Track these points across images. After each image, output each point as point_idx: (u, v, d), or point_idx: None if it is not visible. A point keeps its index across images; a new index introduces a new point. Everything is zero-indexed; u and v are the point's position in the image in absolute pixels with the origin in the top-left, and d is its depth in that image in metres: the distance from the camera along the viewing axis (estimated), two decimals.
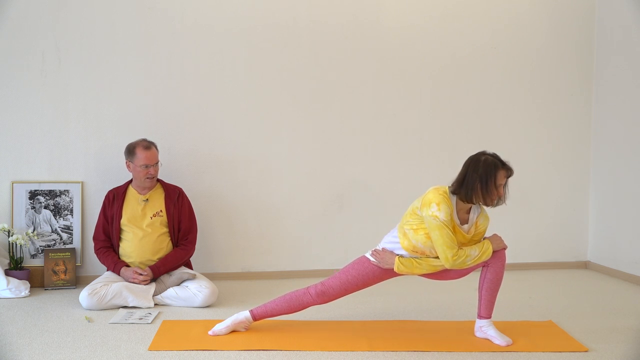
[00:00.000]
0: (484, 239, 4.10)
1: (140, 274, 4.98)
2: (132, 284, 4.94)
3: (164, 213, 5.20)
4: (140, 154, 5.12)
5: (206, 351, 3.92)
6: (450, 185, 4.03)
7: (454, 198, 3.98)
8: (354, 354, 3.91)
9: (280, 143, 6.00)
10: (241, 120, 5.92)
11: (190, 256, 5.32)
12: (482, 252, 3.99)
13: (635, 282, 5.82)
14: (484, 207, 4.09)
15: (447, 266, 3.95)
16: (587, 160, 6.50)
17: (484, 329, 4.15)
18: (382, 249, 4.16)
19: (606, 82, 6.26)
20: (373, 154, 6.15)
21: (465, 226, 4.02)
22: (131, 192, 5.24)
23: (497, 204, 3.99)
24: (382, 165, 6.17)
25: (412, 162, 6.21)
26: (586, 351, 3.97)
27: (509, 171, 3.97)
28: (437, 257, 4.02)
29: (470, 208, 4.06)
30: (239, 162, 5.94)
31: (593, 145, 6.45)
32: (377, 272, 4.16)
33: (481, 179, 3.90)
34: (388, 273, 4.16)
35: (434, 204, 3.90)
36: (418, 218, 3.99)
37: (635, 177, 5.89)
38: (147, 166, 5.13)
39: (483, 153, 4.00)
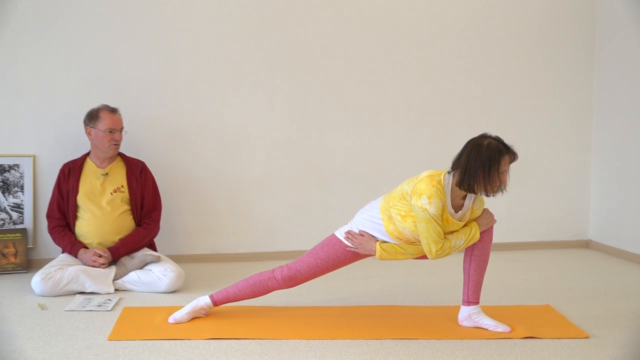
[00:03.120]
0: None
1: (100, 256, 4.95)
2: (90, 267, 4.92)
3: (125, 189, 5.17)
4: (105, 117, 5.11)
5: (171, 340, 3.91)
6: (449, 171, 3.99)
7: (449, 186, 3.94)
8: (334, 342, 3.92)
9: (254, 112, 5.97)
10: (211, 87, 5.89)
11: (154, 236, 5.31)
12: (468, 239, 4.00)
13: (639, 262, 5.86)
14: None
15: (430, 258, 3.96)
16: (589, 131, 6.52)
17: (475, 317, 4.13)
18: (360, 231, 4.13)
19: (610, 48, 6.26)
20: (356, 125, 6.14)
21: (459, 213, 4.00)
22: (89, 165, 5.20)
23: (497, 193, 3.96)
24: (366, 138, 6.16)
25: (398, 134, 6.21)
26: (586, 338, 4.00)
27: (513, 156, 3.92)
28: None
29: (467, 194, 4.03)
30: (208, 133, 5.91)
31: (596, 115, 6.47)
32: (350, 254, 4.14)
33: (484, 166, 3.84)
34: (361, 255, 4.15)
35: (425, 197, 3.86)
36: (407, 204, 3.95)
37: None
38: (112, 131, 5.11)
39: (485, 136, 3.94)
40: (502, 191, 3.94)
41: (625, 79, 6.07)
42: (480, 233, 4.06)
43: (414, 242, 4.03)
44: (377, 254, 4.04)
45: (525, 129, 6.37)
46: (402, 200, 3.97)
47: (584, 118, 6.50)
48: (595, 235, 6.52)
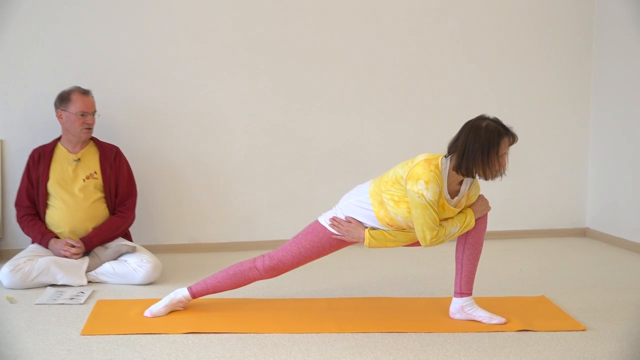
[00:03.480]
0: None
1: (72, 246, 4.94)
2: (61, 258, 4.91)
3: (98, 175, 5.16)
4: (77, 100, 5.10)
5: (148, 335, 3.91)
6: (445, 155, 3.99)
7: (446, 170, 3.94)
8: (319, 336, 3.93)
9: (234, 95, 5.96)
10: (189, 69, 5.87)
11: (129, 225, 5.31)
12: (463, 226, 4.01)
13: (639, 251, 5.89)
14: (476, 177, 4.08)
15: (423, 246, 3.96)
16: (587, 115, 6.53)
17: (469, 310, 4.14)
18: (346, 217, 4.13)
19: (608, 30, 6.26)
20: (341, 108, 6.14)
21: (455, 199, 4.00)
22: (60, 150, 5.18)
23: (496, 177, 3.97)
24: (352, 121, 6.16)
25: (386, 116, 6.21)
26: (583, 330, 4.02)
27: (513, 138, 3.93)
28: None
29: (463, 179, 4.03)
30: (185, 117, 5.90)
31: (593, 98, 6.48)
32: (336, 242, 4.13)
33: (482, 148, 3.85)
34: (346, 242, 4.14)
35: (422, 182, 3.85)
36: (402, 189, 3.94)
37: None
38: (84, 114, 5.10)
39: (483, 118, 3.95)
40: (501, 175, 3.95)
41: (624, 61, 6.08)
42: (475, 220, 4.07)
43: (405, 229, 4.03)
44: (366, 241, 4.03)
45: (520, 113, 6.37)
46: (396, 184, 3.96)
47: (582, 102, 6.51)
48: (593, 223, 6.55)
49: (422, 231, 3.90)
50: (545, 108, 6.45)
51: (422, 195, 3.84)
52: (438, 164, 3.91)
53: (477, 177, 3.97)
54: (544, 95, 6.44)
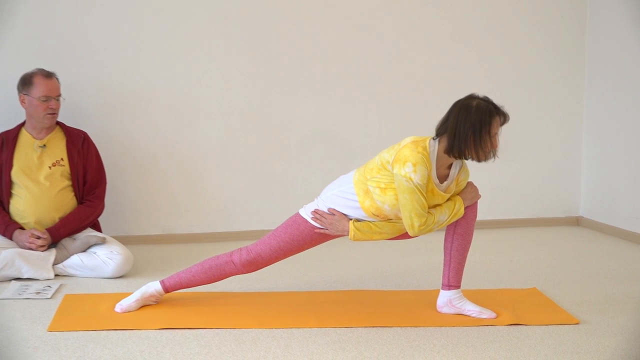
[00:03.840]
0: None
1: (38, 237, 4.92)
2: (27, 250, 4.89)
3: (65, 162, 5.14)
4: (40, 84, 5.07)
5: (119, 331, 3.90)
6: (433, 137, 3.99)
7: (435, 153, 3.94)
8: (300, 331, 3.93)
9: (209, 77, 5.95)
10: (161, 49, 5.85)
11: (99, 215, 5.29)
12: (452, 214, 4.00)
13: (635, 241, 5.93)
14: (465, 161, 4.08)
15: (411, 234, 3.95)
16: (580, 97, 6.55)
17: (457, 303, 4.15)
18: (329, 209, 4.11)
19: (603, 10, 6.27)
20: (323, 90, 6.14)
21: (444, 184, 4.00)
22: (24, 136, 5.16)
23: (489, 158, 3.97)
24: (333, 103, 6.16)
25: (370, 99, 6.21)
26: (577, 324, 4.04)
27: (504, 118, 3.93)
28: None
29: (452, 163, 4.04)
30: (157, 100, 5.88)
31: (587, 79, 6.50)
32: (318, 236, 4.13)
33: (474, 128, 3.85)
34: (329, 236, 4.14)
35: (409, 164, 3.85)
36: (388, 174, 3.93)
37: (637, 115, 5.96)
38: (47, 98, 5.07)
39: (473, 97, 3.95)
40: (494, 156, 3.96)
41: (620, 42, 6.10)
42: (464, 209, 4.08)
43: (392, 220, 4.03)
44: (350, 234, 4.02)
45: (509, 94, 6.38)
46: (382, 170, 3.95)
47: (575, 82, 6.53)
48: (587, 211, 6.58)
49: (409, 218, 3.88)
50: (537, 90, 6.47)
51: (410, 178, 3.84)
52: (426, 146, 3.90)
53: (468, 159, 3.97)
54: (535, 77, 6.45)
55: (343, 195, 4.06)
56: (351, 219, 4.05)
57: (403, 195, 3.86)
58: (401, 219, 3.99)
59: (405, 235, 4.12)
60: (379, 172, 3.96)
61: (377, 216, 4.01)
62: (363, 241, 4.08)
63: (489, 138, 3.88)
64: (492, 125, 3.88)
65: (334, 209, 4.07)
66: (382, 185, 3.93)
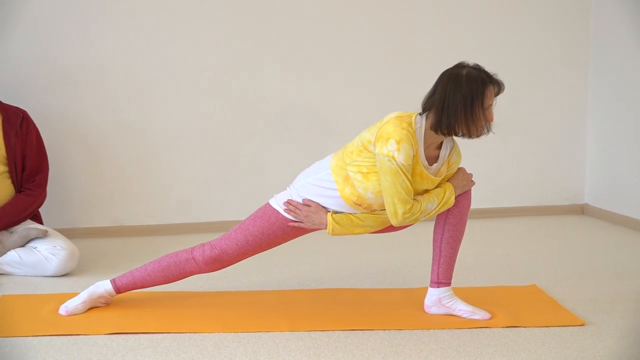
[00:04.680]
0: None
1: None
2: None
3: (1, 145, 5.12)
4: None
5: (64, 337, 3.89)
6: (420, 112, 3.97)
7: (422, 130, 3.91)
8: (268, 335, 3.93)
9: (167, 47, 5.95)
10: (110, 15, 5.83)
11: (40, 205, 5.28)
12: (441, 203, 3.99)
13: None
14: (456, 140, 4.07)
15: (394, 223, 3.92)
16: (585, 75, 6.59)
17: (447, 302, 4.16)
18: (304, 200, 4.09)
19: None
20: (295, 62, 6.15)
21: (434, 166, 3.98)
22: None
23: (482, 134, 3.95)
24: (308, 78, 6.18)
25: (349, 73, 6.23)
26: (582, 325, 4.06)
27: (498, 87, 3.92)
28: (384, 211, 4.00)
29: (442, 142, 4.02)
30: (107, 72, 5.88)
31: (593, 57, 6.54)
32: (292, 230, 4.11)
33: (465, 100, 3.82)
34: (303, 229, 4.12)
35: (392, 141, 3.82)
36: (370, 157, 3.91)
37: None
38: None
39: (462, 65, 3.92)
40: (488, 131, 3.94)
41: (625, 21, 6.12)
42: (456, 197, 4.06)
43: (375, 210, 4.01)
44: (329, 227, 4.00)
45: (507, 71, 6.33)
46: (364, 152, 3.93)
47: (579, 59, 6.57)
48: (593, 198, 6.62)
49: (392, 204, 3.85)
50: (537, 66, 6.50)
51: (393, 157, 3.81)
52: (412, 122, 3.88)
53: (459, 135, 3.94)
54: (534, 51, 6.49)
55: (319, 183, 4.04)
56: (329, 211, 4.04)
57: (385, 177, 3.83)
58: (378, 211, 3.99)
59: (389, 228, 4.11)
60: (360, 155, 3.94)
61: (360, 206, 3.98)
62: (342, 235, 4.06)
63: (482, 110, 3.85)
64: (486, 95, 3.85)
65: (310, 200, 4.06)
66: (364, 170, 3.91)
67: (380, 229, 4.10)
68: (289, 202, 4.07)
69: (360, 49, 6.20)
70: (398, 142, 3.81)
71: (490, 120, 3.91)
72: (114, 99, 5.89)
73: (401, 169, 3.81)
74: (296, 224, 4.06)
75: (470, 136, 3.90)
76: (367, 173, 3.90)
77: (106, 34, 5.82)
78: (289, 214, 4.06)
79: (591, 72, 6.54)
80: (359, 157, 3.94)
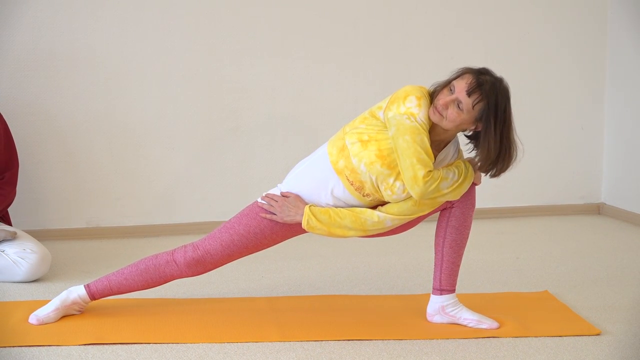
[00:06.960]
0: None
1: None
2: None
3: None
4: None
5: (34, 347, 3.89)
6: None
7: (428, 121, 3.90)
8: (257, 346, 3.94)
9: (144, 33, 5.95)
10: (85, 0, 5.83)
11: (8, 205, 5.27)
12: (463, 176, 3.92)
13: None
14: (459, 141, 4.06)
15: (414, 193, 3.80)
16: (602, 67, 6.61)
17: (451, 310, 4.16)
18: (282, 193, 4.07)
19: None
20: (283, 50, 6.15)
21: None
22: None
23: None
24: (297, 67, 6.17)
25: (341, 63, 6.25)
26: (598, 334, 4.07)
27: None
28: (374, 208, 3.99)
29: (447, 144, 3.99)
30: (80, 60, 5.87)
31: (610, 49, 6.54)
32: (278, 228, 4.10)
33: (510, 135, 3.92)
34: (294, 228, 4.10)
35: (412, 97, 3.81)
36: (376, 124, 3.89)
37: None
38: None
39: (493, 75, 3.94)
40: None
41: None
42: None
43: (363, 198, 3.96)
44: (304, 219, 3.97)
45: (519, 64, 6.43)
46: (370, 119, 3.93)
47: (596, 51, 6.59)
48: (610, 197, 6.63)
49: (411, 167, 3.74)
50: (552, 59, 6.53)
51: (412, 114, 3.78)
52: (428, 97, 3.88)
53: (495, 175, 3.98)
54: (549, 43, 6.50)
55: (313, 162, 4.05)
56: (308, 204, 4.02)
57: (403, 137, 3.76)
58: (370, 200, 3.97)
59: (374, 235, 4.08)
60: (364, 122, 3.93)
61: (351, 184, 3.93)
62: (319, 234, 4.03)
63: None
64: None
65: (288, 192, 4.06)
66: (365, 137, 3.87)
67: (364, 234, 4.04)
68: (266, 195, 4.08)
69: (351, 36, 6.20)
70: (419, 98, 3.81)
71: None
72: (87, 88, 5.88)
73: (422, 127, 3.78)
74: (268, 216, 4.05)
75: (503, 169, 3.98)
76: (368, 141, 3.86)
77: (78, 19, 5.81)
78: (263, 207, 4.07)
79: (608, 64, 6.55)
80: (362, 124, 3.93)
